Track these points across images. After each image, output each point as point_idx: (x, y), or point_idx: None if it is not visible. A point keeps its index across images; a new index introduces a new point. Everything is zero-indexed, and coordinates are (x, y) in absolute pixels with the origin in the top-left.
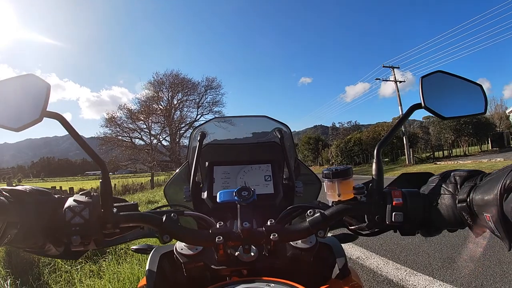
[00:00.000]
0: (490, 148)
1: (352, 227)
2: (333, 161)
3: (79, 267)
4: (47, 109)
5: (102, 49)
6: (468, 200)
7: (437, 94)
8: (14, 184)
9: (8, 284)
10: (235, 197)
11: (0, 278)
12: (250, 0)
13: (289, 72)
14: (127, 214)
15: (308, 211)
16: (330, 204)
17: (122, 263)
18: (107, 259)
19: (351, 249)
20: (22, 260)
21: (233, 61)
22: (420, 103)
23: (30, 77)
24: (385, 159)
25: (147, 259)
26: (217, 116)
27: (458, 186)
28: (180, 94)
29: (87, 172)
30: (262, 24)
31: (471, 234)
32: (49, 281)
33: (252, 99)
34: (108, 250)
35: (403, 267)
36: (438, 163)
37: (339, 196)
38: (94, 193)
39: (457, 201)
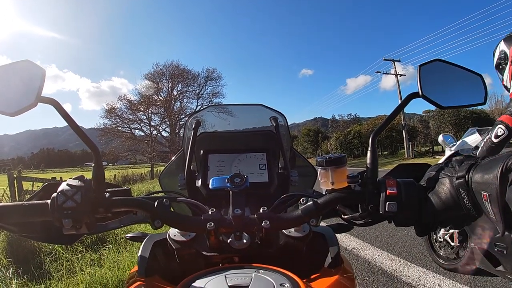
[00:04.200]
0: None
1: (346, 217)
2: (333, 153)
3: (79, 256)
4: (42, 95)
5: (102, 40)
6: (467, 177)
7: (436, 83)
8: (14, 175)
9: (10, 272)
10: (228, 184)
11: (2, 267)
12: None
13: (290, 64)
14: (119, 198)
15: (301, 199)
16: (324, 193)
17: (122, 251)
18: (107, 248)
19: (346, 240)
20: (23, 249)
21: (234, 52)
22: (418, 92)
23: (25, 63)
24: (385, 152)
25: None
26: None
27: (457, 167)
28: (180, 85)
29: (87, 163)
30: (263, 15)
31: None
32: (51, 269)
33: (252, 90)
34: (108, 239)
35: (397, 258)
36: (437, 157)
37: (332, 184)
38: (87, 178)
39: (455, 179)
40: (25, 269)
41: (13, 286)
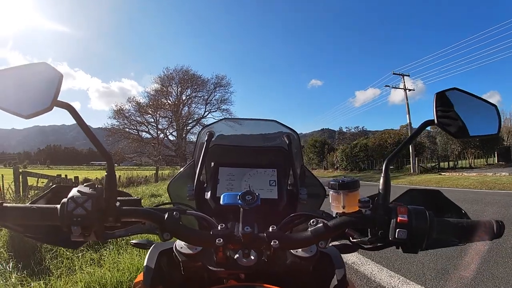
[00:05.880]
0: (496, 161)
1: (354, 240)
2: (338, 165)
3: (80, 254)
4: (58, 99)
5: (114, 41)
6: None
7: (451, 112)
8: (20, 170)
9: (10, 267)
10: (239, 201)
11: (3, 260)
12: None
13: (300, 74)
14: (129, 208)
15: (311, 221)
16: (334, 215)
17: (122, 253)
18: (108, 249)
19: (347, 254)
20: (25, 244)
21: (244, 59)
22: (433, 120)
23: (43, 65)
24: (391, 167)
25: (145, 254)
26: (225, 115)
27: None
28: (189, 90)
29: (92, 162)
30: (275, 23)
31: (466, 248)
32: (51, 266)
33: (261, 98)
34: (109, 240)
35: (396, 275)
36: (443, 173)
37: (343, 208)
38: (99, 185)
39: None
40: (25, 264)
41: (13, 280)
